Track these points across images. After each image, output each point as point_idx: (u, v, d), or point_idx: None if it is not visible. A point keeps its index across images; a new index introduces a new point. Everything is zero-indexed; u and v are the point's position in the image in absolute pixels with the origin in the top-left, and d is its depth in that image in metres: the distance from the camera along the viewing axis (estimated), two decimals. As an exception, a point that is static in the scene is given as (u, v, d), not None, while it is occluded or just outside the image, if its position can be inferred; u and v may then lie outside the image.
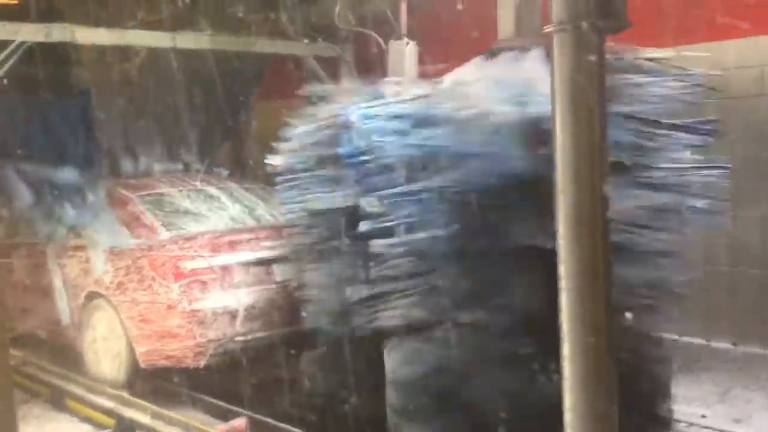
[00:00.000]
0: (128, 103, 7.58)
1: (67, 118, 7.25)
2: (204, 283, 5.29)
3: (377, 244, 3.70)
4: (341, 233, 4.17)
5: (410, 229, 3.58)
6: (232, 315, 5.31)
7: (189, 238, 5.56)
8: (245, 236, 5.73)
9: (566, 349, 2.05)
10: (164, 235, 5.62)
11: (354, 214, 3.97)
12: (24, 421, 5.19)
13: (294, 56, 8.03)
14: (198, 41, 7.11)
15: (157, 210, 5.89)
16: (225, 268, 5.38)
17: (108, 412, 5.25)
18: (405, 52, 5.25)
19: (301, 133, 4.52)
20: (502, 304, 3.40)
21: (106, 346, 5.84)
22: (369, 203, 3.79)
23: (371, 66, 6.97)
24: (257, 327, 5.42)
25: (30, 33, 6.26)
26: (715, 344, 6.16)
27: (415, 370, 3.68)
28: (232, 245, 5.56)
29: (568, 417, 2.05)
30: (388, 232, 3.66)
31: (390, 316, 3.73)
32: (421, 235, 3.53)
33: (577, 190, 1.99)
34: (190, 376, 5.48)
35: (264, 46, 7.64)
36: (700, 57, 6.03)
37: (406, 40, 5.26)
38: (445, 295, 3.53)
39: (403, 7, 5.50)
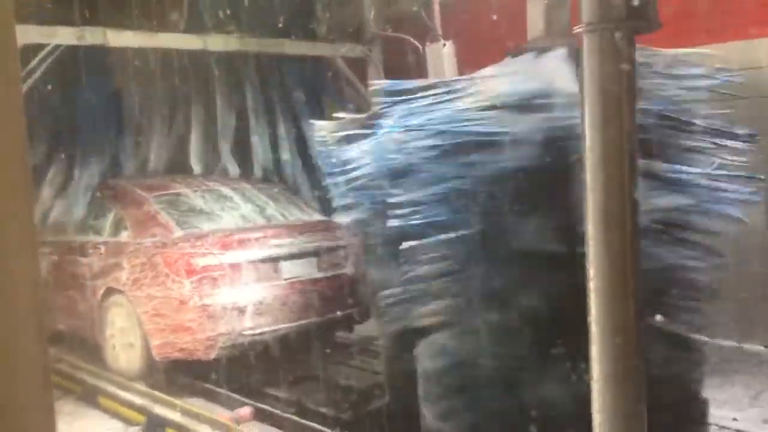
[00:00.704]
0: (165, 106, 7.67)
1: (103, 116, 7.40)
2: (215, 279, 5.55)
3: (407, 245, 3.71)
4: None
5: (438, 229, 3.59)
6: (241, 310, 5.56)
7: (201, 236, 5.82)
8: (255, 235, 5.98)
9: (595, 350, 2.05)
10: (178, 233, 5.87)
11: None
12: (57, 418, 5.33)
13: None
14: (227, 43, 7.19)
15: (172, 209, 6.16)
16: (234, 266, 5.62)
17: (139, 409, 5.35)
18: (443, 53, 5.26)
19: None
20: (531, 304, 3.39)
21: (123, 340, 6.08)
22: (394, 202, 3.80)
23: (402, 67, 6.99)
24: (265, 322, 5.67)
25: (65, 36, 6.41)
26: (747, 347, 6.08)
27: (445, 363, 3.68)
28: (242, 243, 5.81)
29: (597, 418, 2.05)
30: (418, 233, 3.67)
31: (421, 315, 3.75)
32: (450, 235, 3.53)
33: (606, 190, 1.98)
34: (201, 368, 5.73)
35: (292, 47, 7.70)
36: (732, 55, 6.03)
37: (442, 41, 5.26)
38: (474, 294, 3.53)
39: (437, 9, 5.51)
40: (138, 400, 5.43)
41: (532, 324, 3.40)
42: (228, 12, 7.21)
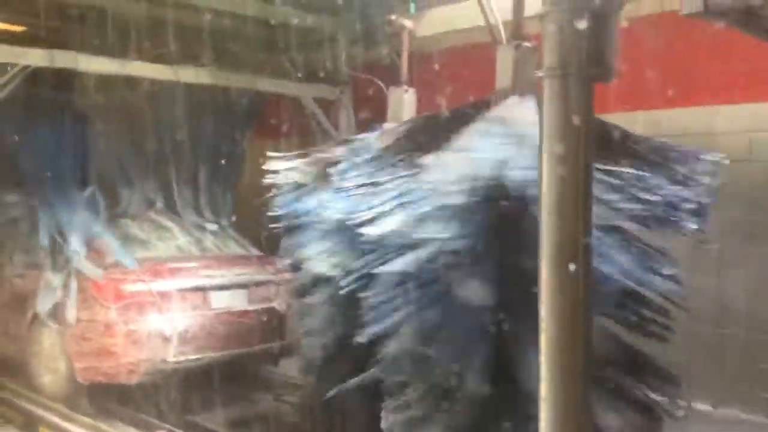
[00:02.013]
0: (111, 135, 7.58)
1: (56, 143, 7.34)
2: (142, 305, 5.64)
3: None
4: None
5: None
6: (167, 337, 5.63)
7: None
8: (187, 264, 6.17)
9: (544, 390, 2.06)
10: (110, 259, 5.97)
11: None
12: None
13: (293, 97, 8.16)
14: (199, 75, 7.21)
15: (107, 236, 6.26)
16: (163, 293, 5.73)
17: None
18: (404, 98, 5.36)
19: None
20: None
21: (48, 361, 6.08)
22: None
23: (372, 110, 7.08)
24: (190, 350, 5.77)
25: (35, 58, 6.36)
26: (695, 406, 6.13)
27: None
28: (173, 272, 5.95)
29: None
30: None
31: None
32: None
33: (561, 231, 2.02)
34: (122, 392, 5.85)
35: (264, 84, 7.75)
36: (690, 120, 6.25)
37: (405, 86, 5.37)
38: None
39: (405, 55, 5.62)
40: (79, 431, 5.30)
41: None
42: (201, 44, 7.24)
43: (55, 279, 5.98)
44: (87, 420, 5.49)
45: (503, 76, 4.13)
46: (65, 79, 6.76)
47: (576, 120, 1.94)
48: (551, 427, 1.99)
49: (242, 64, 7.64)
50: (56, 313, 5.92)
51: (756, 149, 5.89)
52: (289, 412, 6.00)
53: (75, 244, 6.08)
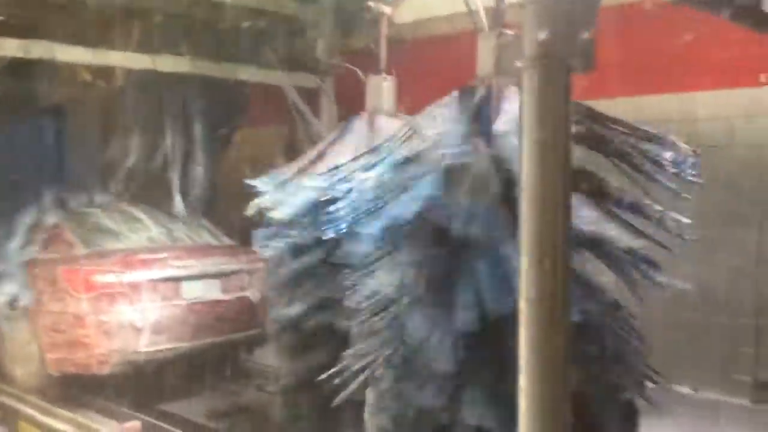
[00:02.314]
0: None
1: (26, 137, 7.35)
2: (113, 296, 5.67)
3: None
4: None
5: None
6: (138, 328, 5.67)
7: (104, 255, 6.00)
8: (158, 255, 6.19)
9: (523, 380, 2.05)
10: (81, 250, 6.04)
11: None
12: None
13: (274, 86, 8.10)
14: (177, 64, 7.13)
15: (78, 227, 6.32)
16: (134, 284, 5.76)
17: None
18: (383, 87, 5.31)
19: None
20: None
21: (20, 353, 6.14)
22: None
23: (354, 98, 7.04)
24: (162, 340, 5.81)
25: (10, 48, 6.26)
26: (676, 388, 6.21)
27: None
28: (144, 263, 5.98)
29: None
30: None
31: None
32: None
33: (542, 221, 2.02)
34: (95, 383, 5.89)
35: (244, 73, 7.68)
36: (672, 107, 6.27)
37: (384, 75, 5.33)
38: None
39: (383, 42, 5.58)
40: (61, 426, 5.28)
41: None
42: (180, 32, 7.16)
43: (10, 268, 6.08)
44: (66, 413, 5.48)
45: (485, 63, 4.10)
46: (35, 70, 6.69)
47: (555, 110, 1.94)
48: (531, 418, 1.99)
49: (222, 53, 7.56)
50: (14, 301, 6.01)
51: (737, 135, 5.93)
52: (270, 401, 6.02)
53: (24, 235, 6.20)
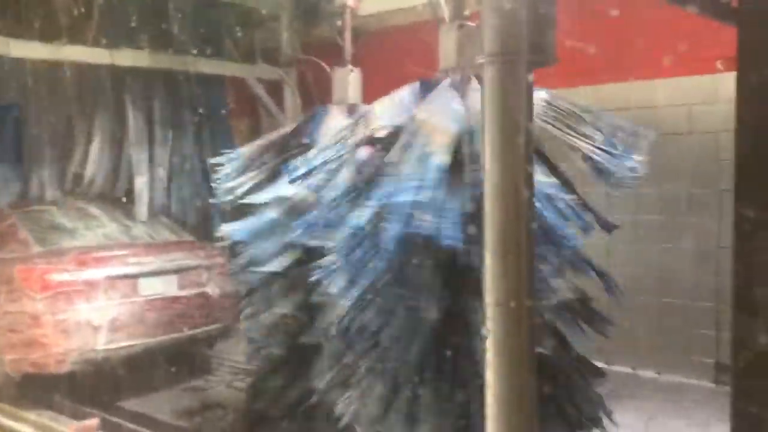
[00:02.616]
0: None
1: None
2: (69, 295, 5.63)
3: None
4: None
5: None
6: (96, 326, 5.67)
7: (59, 253, 5.94)
8: (115, 252, 6.16)
9: (489, 374, 2.07)
10: (37, 249, 5.97)
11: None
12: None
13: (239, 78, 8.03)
14: (137, 58, 7.02)
15: (33, 225, 6.25)
16: (91, 282, 5.74)
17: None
18: (349, 79, 5.29)
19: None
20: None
21: None
22: None
23: (317, 91, 7.02)
24: (120, 337, 5.82)
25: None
26: (640, 373, 6.33)
27: None
28: (100, 261, 5.94)
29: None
30: None
31: None
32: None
33: (503, 217, 2.03)
34: (53, 382, 5.84)
35: (205, 66, 7.59)
36: (632, 95, 6.35)
37: (350, 67, 5.30)
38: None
39: (348, 34, 5.55)
40: (18, 426, 5.23)
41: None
42: (139, 26, 7.03)
43: None
44: (24, 414, 5.43)
45: (447, 55, 4.10)
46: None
47: (517, 105, 1.95)
48: (497, 413, 2.01)
49: (183, 46, 7.45)
50: None
51: (696, 122, 6.03)
52: (240, 398, 6.02)
53: None
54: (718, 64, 5.70)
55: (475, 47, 4.02)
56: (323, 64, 6.94)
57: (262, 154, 4.74)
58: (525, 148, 1.95)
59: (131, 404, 5.81)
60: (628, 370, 6.37)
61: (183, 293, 6.25)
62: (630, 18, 6.11)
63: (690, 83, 6.03)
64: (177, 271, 6.27)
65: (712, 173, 5.86)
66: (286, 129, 4.98)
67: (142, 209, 7.14)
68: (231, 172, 4.72)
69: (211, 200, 4.86)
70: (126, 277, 5.93)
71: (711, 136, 5.87)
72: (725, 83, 5.51)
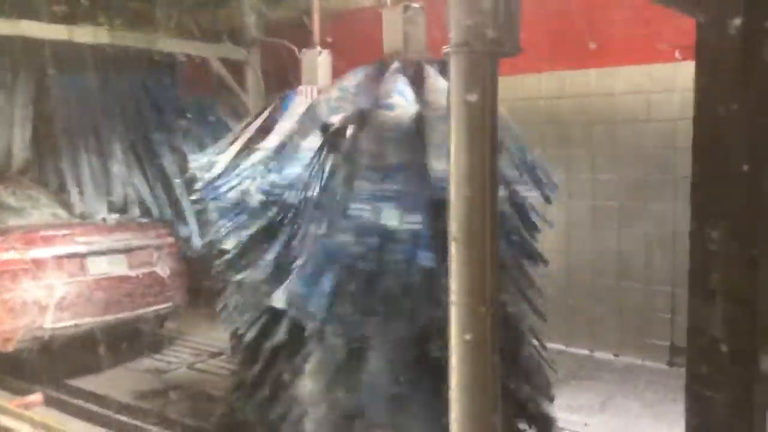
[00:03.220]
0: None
1: None
2: (16, 273, 5.64)
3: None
4: None
5: None
6: (43, 305, 5.68)
7: (6, 231, 5.93)
8: (62, 231, 6.15)
9: (454, 359, 2.10)
10: None
11: None
12: None
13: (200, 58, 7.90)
14: (97, 35, 6.86)
15: None
16: (38, 261, 5.74)
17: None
18: (318, 61, 5.24)
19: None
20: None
21: None
22: None
23: (280, 73, 6.94)
24: (68, 316, 5.83)
25: None
26: (598, 355, 6.47)
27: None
28: (48, 240, 5.93)
29: (454, 427, 2.10)
30: None
31: None
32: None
33: (469, 206, 2.05)
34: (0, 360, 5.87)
35: (166, 44, 7.46)
36: (593, 81, 6.44)
37: (319, 49, 5.25)
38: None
39: (316, 16, 5.49)
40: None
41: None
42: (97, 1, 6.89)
43: None
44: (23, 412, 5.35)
45: (391, 39, 4.04)
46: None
47: (482, 95, 1.96)
48: (460, 396, 2.05)
49: (143, 23, 7.31)
50: None
51: (654, 109, 6.14)
52: (201, 379, 6.03)
53: None
54: (677, 53, 5.80)
55: (422, 30, 4.01)
56: (289, 44, 6.90)
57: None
58: (492, 137, 1.97)
59: (80, 382, 5.86)
60: (586, 352, 6.51)
61: (132, 273, 6.26)
62: (591, 6, 6.19)
63: (649, 71, 6.13)
64: (126, 250, 6.29)
65: (670, 160, 5.98)
66: (259, 120, 4.89)
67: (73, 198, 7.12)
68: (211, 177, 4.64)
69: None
70: (74, 256, 5.92)
71: (669, 124, 5.98)
72: (683, 72, 5.62)
